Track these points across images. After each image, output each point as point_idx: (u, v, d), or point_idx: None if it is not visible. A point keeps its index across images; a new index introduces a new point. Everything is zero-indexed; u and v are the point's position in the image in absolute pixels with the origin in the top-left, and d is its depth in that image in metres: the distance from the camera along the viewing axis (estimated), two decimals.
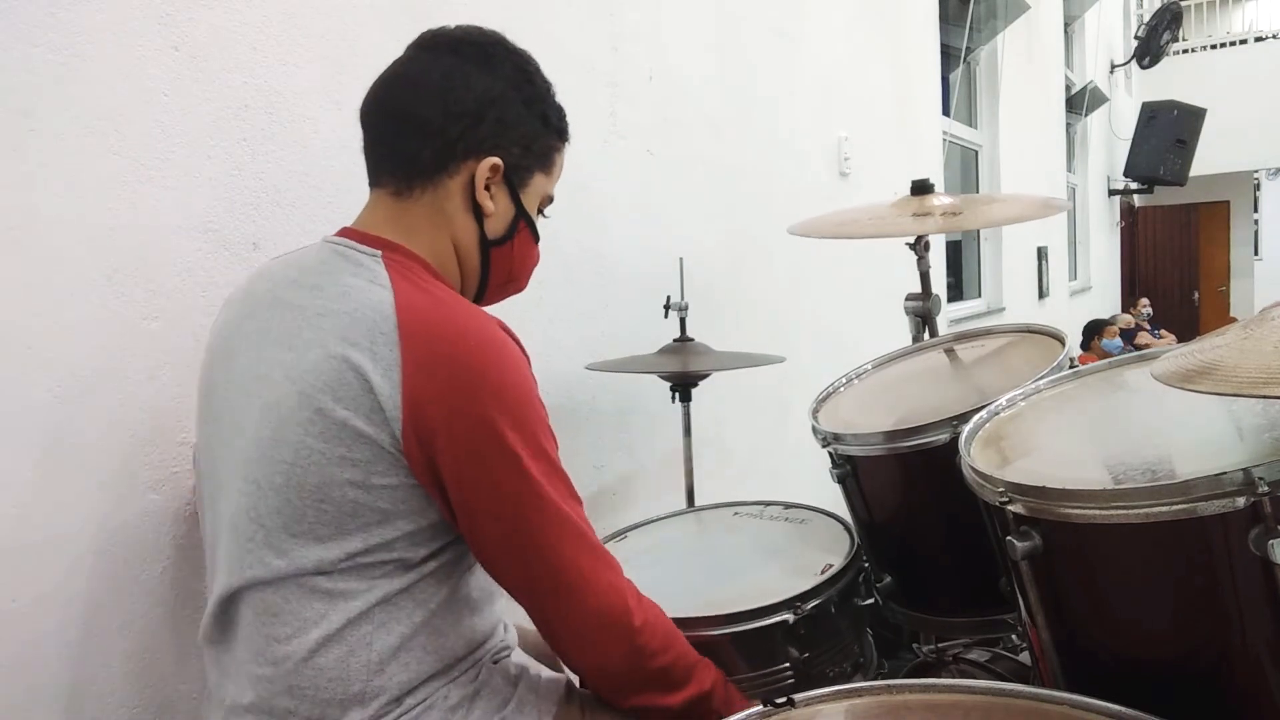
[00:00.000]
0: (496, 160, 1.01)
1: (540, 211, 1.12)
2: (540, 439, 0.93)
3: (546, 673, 1.08)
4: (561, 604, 0.95)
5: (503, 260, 1.07)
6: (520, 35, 1.09)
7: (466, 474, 0.89)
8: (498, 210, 1.04)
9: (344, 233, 1.02)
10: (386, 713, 0.91)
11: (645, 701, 1.00)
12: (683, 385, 1.98)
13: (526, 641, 1.16)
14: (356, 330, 0.89)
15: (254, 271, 1.10)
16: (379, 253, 0.97)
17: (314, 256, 1.00)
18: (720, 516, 1.73)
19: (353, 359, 0.87)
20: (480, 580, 1.01)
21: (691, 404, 2.01)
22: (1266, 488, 0.84)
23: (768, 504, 1.71)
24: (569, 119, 1.11)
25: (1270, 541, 0.84)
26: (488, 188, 1.02)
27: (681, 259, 2.05)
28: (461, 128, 0.99)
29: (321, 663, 0.90)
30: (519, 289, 1.15)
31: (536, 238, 1.11)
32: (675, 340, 1.98)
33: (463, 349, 0.89)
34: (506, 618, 1.09)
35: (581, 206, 2.05)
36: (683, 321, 2.00)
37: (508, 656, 1.06)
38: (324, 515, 0.89)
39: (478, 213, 1.03)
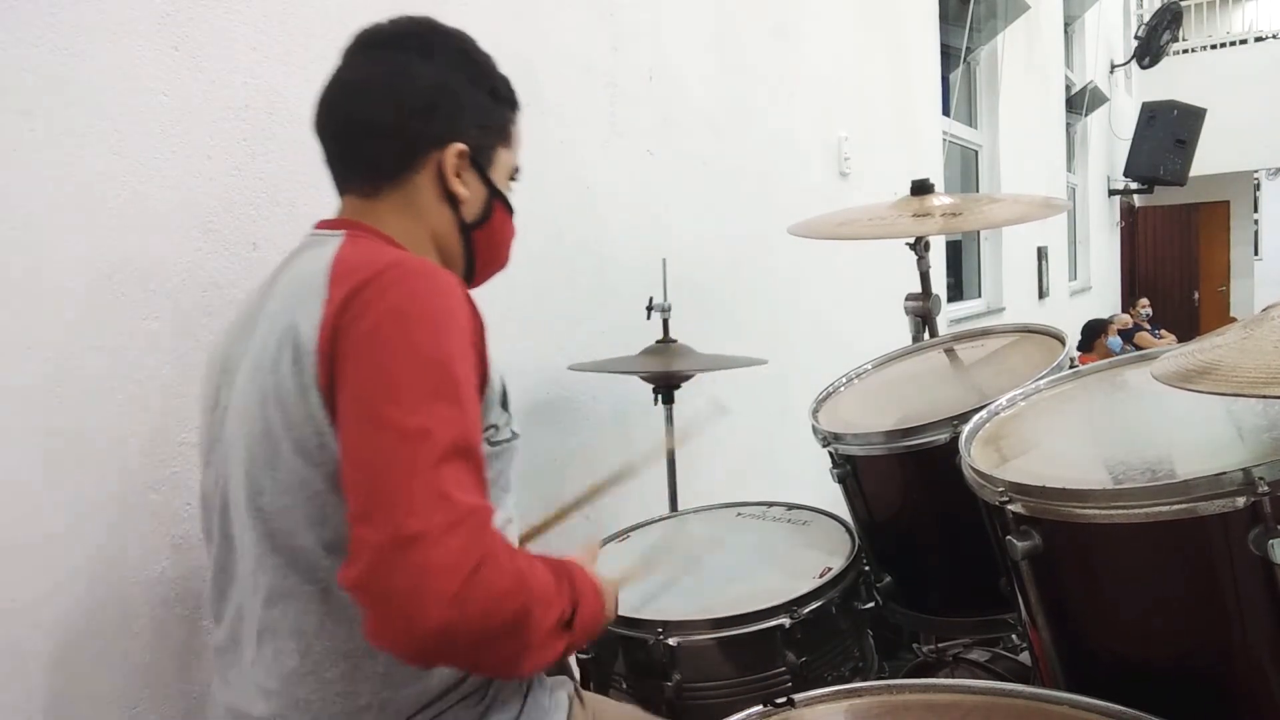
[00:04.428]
0: (462, 146, 1.01)
1: (511, 179, 1.12)
2: (443, 360, 0.83)
3: (550, 679, 1.08)
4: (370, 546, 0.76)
5: (485, 240, 1.08)
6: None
7: (346, 374, 0.83)
8: (471, 194, 1.04)
9: (318, 224, 1.02)
10: None
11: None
12: (665, 387, 1.97)
13: None
14: (298, 294, 0.90)
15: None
16: (343, 231, 0.97)
17: (293, 252, 1.02)
18: (723, 517, 1.73)
19: (293, 319, 0.88)
20: None
21: (675, 406, 1.99)
22: (1266, 488, 0.84)
23: (770, 505, 1.71)
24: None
25: (1270, 541, 0.84)
26: (458, 174, 1.02)
27: (665, 260, 2.04)
28: (419, 123, 1.00)
29: (328, 676, 0.88)
30: (501, 265, 1.15)
31: (511, 212, 1.11)
32: (658, 341, 1.97)
33: (381, 276, 0.86)
34: None
35: (582, 206, 2.04)
36: (665, 323, 1.98)
37: None
38: (278, 485, 0.87)
39: (452, 201, 1.03)
